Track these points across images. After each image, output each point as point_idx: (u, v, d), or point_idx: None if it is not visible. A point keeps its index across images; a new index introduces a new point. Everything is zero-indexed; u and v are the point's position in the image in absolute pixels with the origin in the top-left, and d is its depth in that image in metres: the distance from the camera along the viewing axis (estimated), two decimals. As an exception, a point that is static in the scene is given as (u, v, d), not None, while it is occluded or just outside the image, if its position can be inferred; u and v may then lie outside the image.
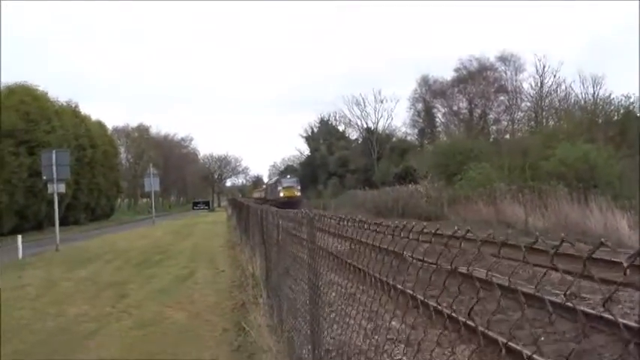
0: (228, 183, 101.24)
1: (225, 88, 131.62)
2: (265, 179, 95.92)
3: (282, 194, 51.66)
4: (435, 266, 2.04)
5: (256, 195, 74.53)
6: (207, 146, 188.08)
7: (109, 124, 60.33)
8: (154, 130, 79.47)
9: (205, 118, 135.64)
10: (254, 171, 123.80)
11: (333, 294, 3.33)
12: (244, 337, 6.20)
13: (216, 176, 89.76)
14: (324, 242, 3.70)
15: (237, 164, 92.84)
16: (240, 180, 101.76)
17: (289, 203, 42.15)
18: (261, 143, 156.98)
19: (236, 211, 25.05)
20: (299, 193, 53.34)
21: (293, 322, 4.90)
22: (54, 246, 20.40)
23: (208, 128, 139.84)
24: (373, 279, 2.68)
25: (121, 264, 15.14)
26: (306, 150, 71.58)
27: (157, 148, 73.96)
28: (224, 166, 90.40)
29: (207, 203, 67.07)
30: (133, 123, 76.74)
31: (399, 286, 2.49)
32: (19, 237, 19.44)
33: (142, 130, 76.79)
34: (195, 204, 66.30)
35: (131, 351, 6.57)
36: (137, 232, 28.50)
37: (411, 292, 2.33)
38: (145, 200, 68.17)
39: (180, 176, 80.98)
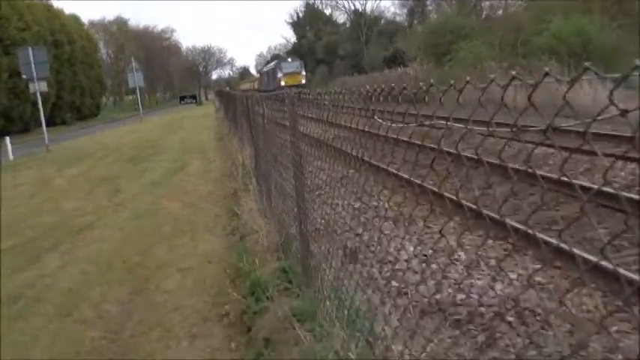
0: (214, 75, 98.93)
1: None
2: (253, 70, 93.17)
3: (283, 82, 41.62)
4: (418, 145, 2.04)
5: (245, 86, 69.99)
6: (189, 38, 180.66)
7: (85, 18, 57.71)
8: (132, 23, 76.16)
9: (185, 8, 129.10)
10: (240, 62, 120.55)
11: (322, 175, 3.37)
12: (237, 221, 6.41)
13: (201, 69, 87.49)
14: (306, 128, 3.69)
15: (222, 55, 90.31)
16: (226, 72, 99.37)
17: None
18: (245, 32, 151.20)
19: (223, 102, 24.76)
20: (304, 80, 43.54)
21: (282, 205, 5.03)
22: (43, 147, 20.36)
23: (188, 19, 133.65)
24: (359, 161, 2.69)
25: (113, 160, 15.23)
26: (292, 37, 69.09)
27: (137, 42, 71.23)
28: (208, 58, 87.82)
29: (194, 97, 65.98)
30: (110, 16, 73.33)
31: (383, 166, 2.51)
32: (7, 138, 19.32)
33: (121, 23, 73.52)
34: (182, 98, 65.18)
35: (129, 239, 6.81)
36: (126, 129, 28.34)
37: (398, 173, 2.37)
38: (130, 97, 66.96)
39: (165, 70, 78.97)
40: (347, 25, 58.97)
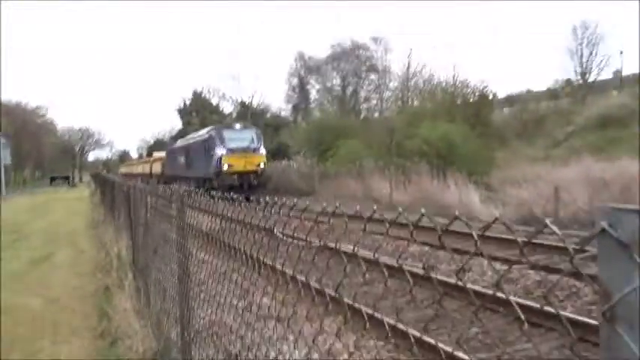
0: (91, 157, 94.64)
1: (87, 53, 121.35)
2: (133, 154, 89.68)
3: (227, 166, 24.11)
4: (304, 242, 2.07)
5: (129, 170, 58.12)
6: (66, 118, 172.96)
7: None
8: (2, 98, 71.22)
9: (62, 87, 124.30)
10: (120, 146, 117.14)
11: (204, 273, 3.25)
12: (108, 322, 5.86)
13: (77, 149, 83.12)
14: (195, 220, 3.60)
15: (101, 137, 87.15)
16: (105, 154, 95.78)
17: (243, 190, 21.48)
18: (128, 118, 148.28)
19: (100, 186, 23.49)
20: (264, 163, 25.49)
21: (161, 305, 4.72)
22: None
23: (66, 99, 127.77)
24: (244, 256, 2.65)
25: (-37, 247, 13.47)
26: (178, 124, 68.62)
27: (7, 117, 66.36)
28: (87, 138, 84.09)
29: (67, 178, 62.04)
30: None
31: (270, 263, 2.49)
32: None
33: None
34: (54, 179, 61.00)
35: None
36: (-17, 211, 25.51)
37: (281, 269, 2.35)
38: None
39: (36, 148, 73.75)
40: (233, 116, 60.20)
